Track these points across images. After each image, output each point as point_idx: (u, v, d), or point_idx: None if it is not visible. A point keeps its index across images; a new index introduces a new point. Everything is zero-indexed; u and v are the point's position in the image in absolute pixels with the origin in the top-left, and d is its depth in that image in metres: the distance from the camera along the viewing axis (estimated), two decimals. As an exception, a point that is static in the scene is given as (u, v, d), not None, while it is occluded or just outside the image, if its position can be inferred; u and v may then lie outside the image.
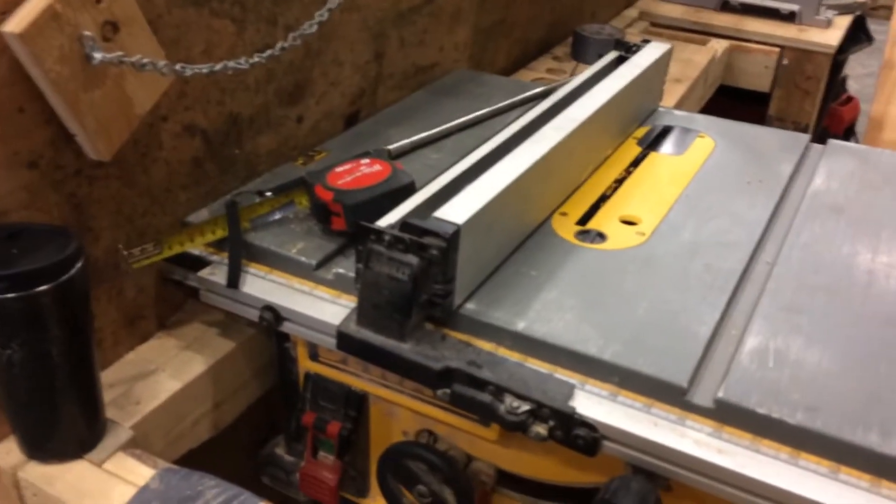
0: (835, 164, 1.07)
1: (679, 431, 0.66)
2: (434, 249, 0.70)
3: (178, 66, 0.74)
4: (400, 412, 0.86)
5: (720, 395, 0.66)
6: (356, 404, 0.86)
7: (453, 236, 0.70)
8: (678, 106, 1.63)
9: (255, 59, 0.80)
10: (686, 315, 0.76)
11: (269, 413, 1.00)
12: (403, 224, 0.71)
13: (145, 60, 0.72)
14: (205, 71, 0.77)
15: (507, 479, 0.84)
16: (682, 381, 0.68)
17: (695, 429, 0.66)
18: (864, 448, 0.62)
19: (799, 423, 0.64)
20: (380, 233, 0.71)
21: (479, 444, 0.82)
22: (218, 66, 0.78)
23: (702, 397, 0.68)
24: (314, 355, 0.87)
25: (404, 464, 0.83)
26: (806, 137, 1.14)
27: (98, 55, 0.70)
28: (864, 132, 2.54)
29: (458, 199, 0.76)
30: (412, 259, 0.70)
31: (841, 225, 0.92)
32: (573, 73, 1.64)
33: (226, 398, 0.91)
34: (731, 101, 2.13)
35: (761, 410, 0.65)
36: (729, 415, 0.66)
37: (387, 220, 0.75)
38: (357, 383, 0.86)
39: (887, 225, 0.93)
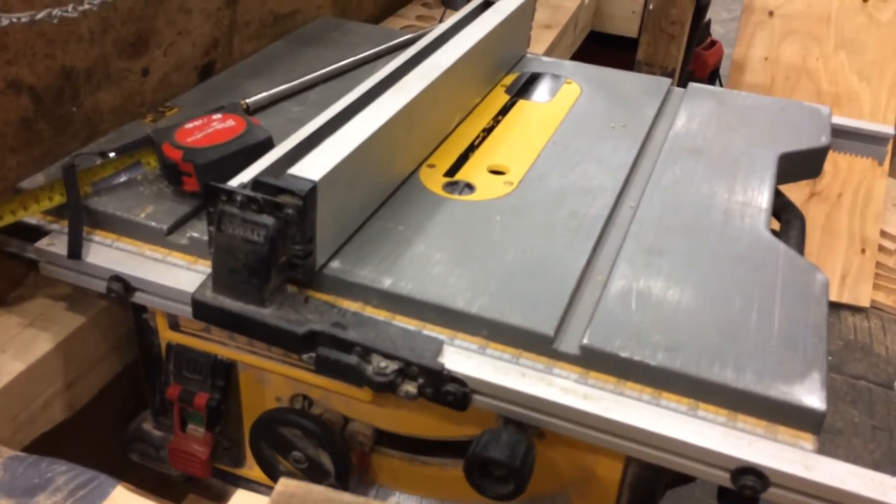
0: (694, 107, 1.09)
1: (546, 380, 0.66)
2: (290, 209, 0.66)
3: (-10, 15, 0.66)
4: (271, 378, 0.82)
5: (584, 341, 0.67)
6: (223, 373, 0.82)
7: (309, 194, 0.66)
8: (549, 52, 1.63)
9: (86, 6, 0.73)
10: (553, 263, 0.76)
11: (134, 387, 0.95)
12: (256, 183, 0.67)
13: (-52, 8, 0.64)
14: (24, 20, 0.69)
15: (386, 438, 0.82)
16: (548, 331, 0.68)
17: (562, 376, 0.67)
18: (720, 384, 0.64)
19: (659, 363, 0.65)
20: (231, 193, 0.67)
21: (355, 406, 0.80)
22: (41, 14, 0.70)
23: (568, 345, 0.68)
24: (175, 325, 0.82)
25: (277, 431, 0.81)
26: (668, 81, 1.16)
27: None
28: (728, 75, 2.65)
29: (315, 154, 0.72)
30: (267, 220, 0.66)
31: (700, 166, 0.95)
32: (442, 20, 1.61)
33: (80, 376, 0.85)
34: (601, 47, 2.16)
35: (624, 354, 0.66)
36: (594, 360, 0.67)
37: (239, 180, 0.70)
38: (223, 351, 0.82)
39: (743, 164, 0.96)
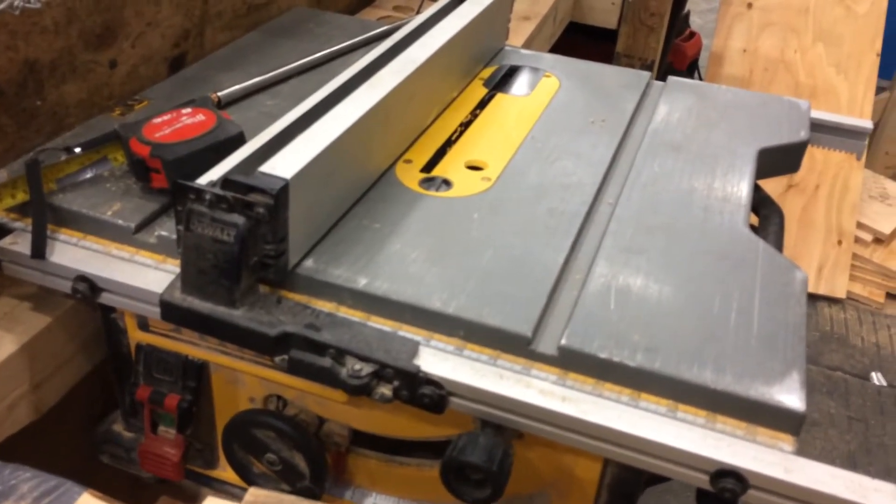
0: (674, 102, 1.08)
1: (525, 382, 0.65)
2: (261, 207, 0.64)
3: (-55, 6, 0.64)
4: (245, 379, 0.81)
5: (563, 342, 0.66)
6: (195, 374, 0.81)
7: (281, 192, 0.65)
8: (527, 44, 1.61)
9: (48, -4, 0.70)
10: (531, 262, 0.75)
11: (105, 388, 0.93)
12: (226, 181, 0.65)
13: None
14: (-17, 11, 0.67)
15: (362, 438, 0.81)
16: (526, 331, 0.67)
17: (540, 378, 0.66)
18: (700, 385, 0.63)
19: (639, 364, 0.64)
20: (200, 191, 0.65)
21: (330, 406, 0.78)
22: (2, 5, 0.68)
23: (546, 345, 0.67)
24: (144, 325, 0.80)
25: (250, 433, 0.79)
26: (647, 75, 1.15)
27: None
28: (706, 67, 2.65)
29: (287, 151, 0.70)
30: (237, 219, 0.65)
31: (679, 162, 0.94)
32: (419, 11, 1.59)
33: (47, 377, 0.82)
34: (581, 38, 2.15)
35: (602, 355, 0.65)
36: (572, 361, 0.66)
37: (208, 177, 0.68)
38: (194, 352, 0.80)
39: (722, 160, 0.95)
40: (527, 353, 0.67)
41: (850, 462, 1.73)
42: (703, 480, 0.60)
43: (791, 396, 0.61)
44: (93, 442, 0.91)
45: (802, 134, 1.01)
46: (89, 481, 0.73)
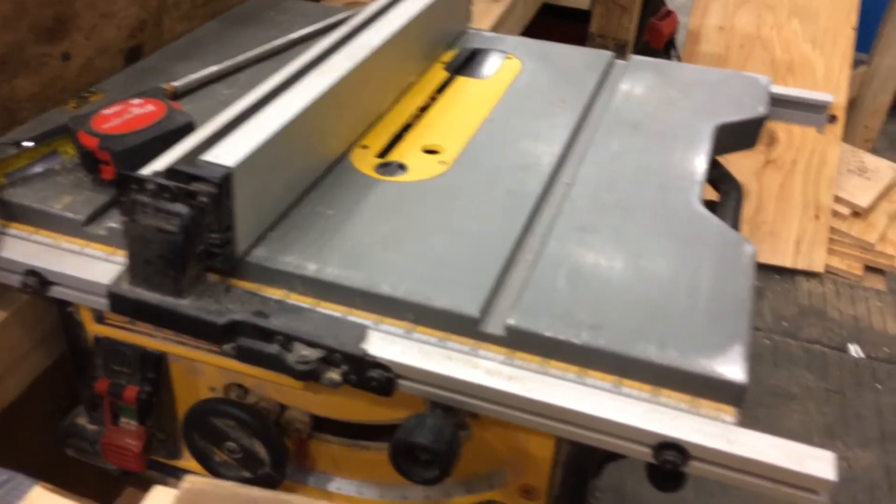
0: (635, 81, 1.08)
1: (472, 363, 0.65)
2: (204, 196, 0.64)
3: None
4: (204, 368, 0.81)
5: (510, 321, 0.66)
6: (153, 366, 0.81)
7: (224, 180, 0.65)
8: (497, 27, 1.61)
9: (-10, -11, 0.70)
10: (483, 244, 0.75)
11: (69, 381, 0.93)
12: (169, 170, 0.65)
13: None
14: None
15: (324, 424, 0.82)
16: (473, 312, 0.67)
17: (487, 358, 0.66)
18: (644, 360, 0.63)
19: (584, 342, 0.65)
20: (142, 181, 0.65)
21: (290, 393, 0.79)
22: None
23: (494, 326, 0.68)
24: (100, 317, 0.80)
25: (209, 422, 0.79)
26: (609, 55, 1.15)
27: None
28: (684, 45, 2.65)
29: (232, 139, 0.70)
30: (181, 208, 0.65)
31: (637, 141, 0.94)
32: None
33: (3, 373, 0.82)
34: (554, 20, 2.14)
35: (548, 333, 0.65)
36: (519, 341, 0.66)
37: (153, 167, 0.68)
38: (152, 343, 0.80)
39: (680, 138, 0.95)
40: (475, 334, 0.67)
41: (828, 433, 1.75)
42: (646, 454, 0.61)
43: (733, 368, 0.62)
44: (57, 436, 0.91)
45: (760, 109, 1.01)
46: (58, 475, 0.73)
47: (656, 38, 2.58)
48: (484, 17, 1.60)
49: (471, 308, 0.67)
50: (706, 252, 0.75)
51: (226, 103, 0.93)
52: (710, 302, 0.69)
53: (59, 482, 0.89)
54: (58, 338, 0.87)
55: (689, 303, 0.69)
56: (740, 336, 0.65)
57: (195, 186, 0.65)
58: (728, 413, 0.61)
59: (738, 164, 2.28)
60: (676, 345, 0.64)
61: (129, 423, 0.84)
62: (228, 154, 0.67)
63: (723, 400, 0.62)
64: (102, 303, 0.71)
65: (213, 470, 0.83)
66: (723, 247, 0.76)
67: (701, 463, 0.60)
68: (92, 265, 0.72)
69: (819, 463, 0.57)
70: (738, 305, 0.68)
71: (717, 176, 1.01)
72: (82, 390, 0.87)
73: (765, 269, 2.23)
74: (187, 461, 0.88)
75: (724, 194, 0.98)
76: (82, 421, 0.91)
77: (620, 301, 0.69)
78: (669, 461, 0.59)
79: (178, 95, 0.95)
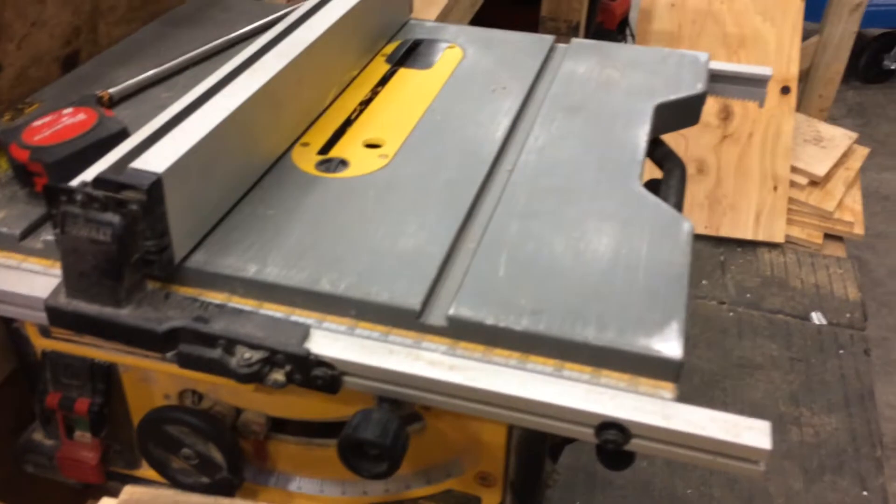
0: (576, 64, 1.09)
1: (414, 355, 0.65)
2: (134, 204, 0.64)
3: None
4: (156, 376, 0.81)
5: (450, 312, 0.67)
6: (103, 377, 0.80)
7: (153, 187, 0.64)
8: (444, 15, 1.61)
9: None
10: (423, 236, 0.75)
11: (24, 397, 0.92)
12: (97, 180, 0.65)
13: None
14: None
15: (281, 425, 0.82)
16: (414, 305, 0.67)
17: (430, 350, 0.66)
18: (583, 343, 0.64)
19: (524, 328, 0.65)
20: (71, 192, 0.64)
21: (243, 395, 0.79)
22: None
23: (436, 317, 0.68)
24: (46, 331, 0.79)
25: (163, 430, 0.79)
26: (550, 39, 1.15)
27: None
28: (636, 24, 2.66)
29: (162, 144, 0.69)
30: (112, 217, 0.64)
31: (577, 124, 0.95)
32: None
33: (-48, 393, 0.81)
34: (505, 6, 2.15)
35: (489, 321, 0.66)
36: (461, 331, 0.67)
37: (82, 178, 0.68)
38: (100, 354, 0.79)
39: (620, 119, 0.96)
40: (417, 327, 0.68)
41: (794, 401, 1.78)
42: (589, 434, 0.62)
43: (669, 345, 0.63)
44: (15, 452, 0.90)
45: (699, 86, 1.02)
46: (20, 493, 0.72)
47: (610, 19, 2.59)
48: (429, 6, 1.60)
49: (412, 301, 0.67)
50: (644, 231, 0.76)
51: (164, 107, 0.92)
52: (648, 281, 0.70)
53: (20, 500, 0.89)
54: (7, 354, 0.86)
55: (627, 283, 0.70)
56: (677, 312, 0.66)
57: (125, 195, 0.64)
58: (667, 389, 0.62)
59: (697, 140, 2.32)
60: (615, 325, 0.65)
61: (83, 435, 0.83)
62: (158, 160, 0.66)
63: (660, 377, 0.63)
64: (42, 317, 0.70)
65: (172, 478, 0.83)
66: (661, 225, 0.77)
67: (642, 440, 0.61)
68: (30, 280, 0.72)
69: (755, 433, 0.58)
70: (676, 282, 0.69)
71: (661, 154, 1.02)
72: (36, 405, 0.86)
73: (727, 243, 2.25)
74: (147, 470, 0.88)
75: (668, 172, 0.99)
76: (39, 436, 0.90)
77: (560, 285, 0.70)
78: (611, 440, 0.60)
79: (114, 102, 0.94)
